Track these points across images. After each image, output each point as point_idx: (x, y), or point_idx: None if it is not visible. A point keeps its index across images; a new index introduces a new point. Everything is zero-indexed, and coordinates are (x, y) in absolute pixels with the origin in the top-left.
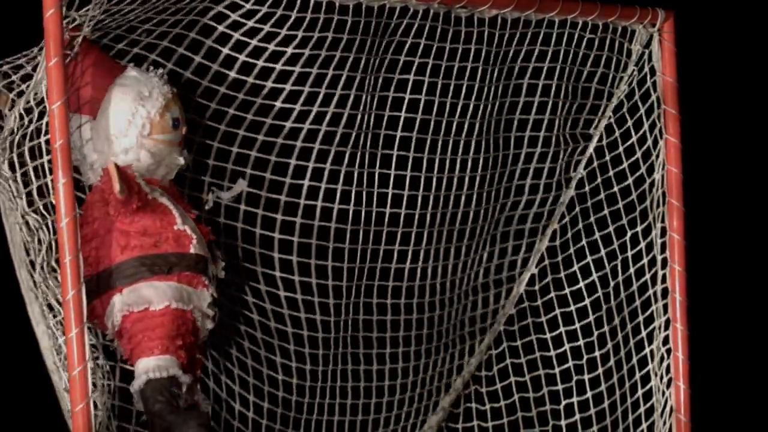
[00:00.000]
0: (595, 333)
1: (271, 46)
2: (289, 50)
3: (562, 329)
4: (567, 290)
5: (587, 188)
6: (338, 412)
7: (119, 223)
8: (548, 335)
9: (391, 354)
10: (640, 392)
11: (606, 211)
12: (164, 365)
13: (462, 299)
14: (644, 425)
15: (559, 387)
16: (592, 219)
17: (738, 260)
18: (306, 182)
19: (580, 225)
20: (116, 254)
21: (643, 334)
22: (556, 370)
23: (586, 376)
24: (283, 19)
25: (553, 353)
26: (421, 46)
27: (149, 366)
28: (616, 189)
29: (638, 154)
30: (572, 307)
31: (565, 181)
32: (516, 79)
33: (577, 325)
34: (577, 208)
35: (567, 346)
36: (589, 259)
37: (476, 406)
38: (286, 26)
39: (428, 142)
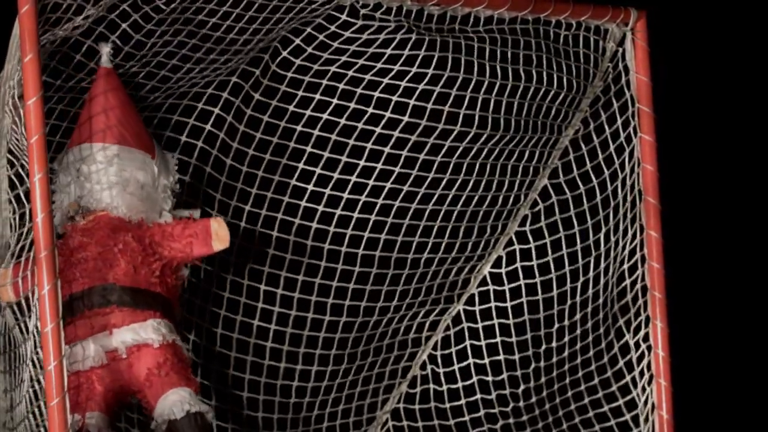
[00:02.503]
0: (557, 325)
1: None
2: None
3: (526, 317)
4: (537, 279)
5: (562, 179)
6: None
7: (170, 267)
8: (511, 321)
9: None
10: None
11: (585, 206)
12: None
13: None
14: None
15: (518, 372)
16: (571, 213)
17: (717, 256)
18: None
19: (557, 216)
20: (163, 287)
21: (610, 323)
22: (516, 356)
23: (542, 364)
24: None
25: (514, 339)
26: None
27: (194, 398)
28: (594, 183)
29: (610, 150)
30: (539, 296)
31: (542, 168)
32: (490, 73)
33: (541, 315)
34: (554, 198)
35: (529, 335)
36: (564, 251)
37: (434, 387)
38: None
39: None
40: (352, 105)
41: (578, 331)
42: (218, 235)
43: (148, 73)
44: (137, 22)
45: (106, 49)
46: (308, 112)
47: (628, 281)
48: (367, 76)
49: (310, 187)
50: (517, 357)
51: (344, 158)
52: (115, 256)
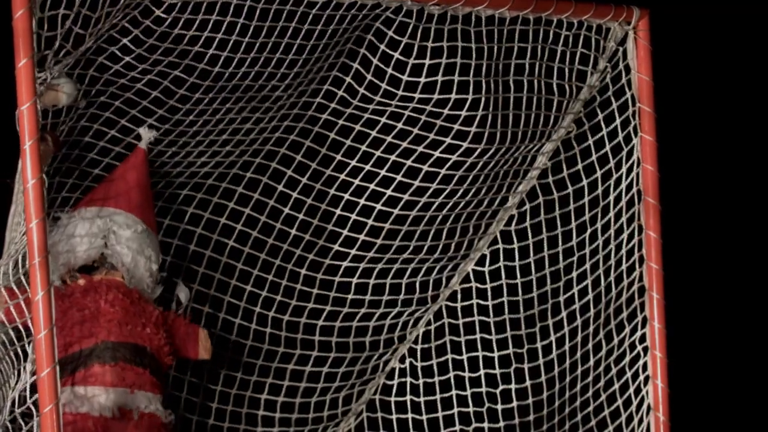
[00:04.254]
0: (539, 325)
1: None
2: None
3: (506, 316)
4: (519, 280)
5: (551, 179)
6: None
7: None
8: (492, 319)
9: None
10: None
11: (571, 207)
12: None
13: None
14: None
15: (497, 371)
16: (556, 213)
17: (714, 257)
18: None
19: (542, 216)
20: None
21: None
22: (495, 354)
23: (525, 365)
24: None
25: (494, 337)
26: (395, 41)
27: None
28: (584, 183)
29: (606, 149)
30: (520, 297)
31: (532, 169)
32: (492, 76)
33: (522, 315)
34: (540, 199)
35: (509, 333)
36: (545, 252)
37: (410, 380)
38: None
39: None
40: (349, 110)
41: (566, 330)
42: (204, 345)
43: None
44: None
45: (149, 134)
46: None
47: (626, 282)
48: (361, 90)
49: (302, 181)
50: (496, 355)
51: (338, 156)
52: (149, 323)
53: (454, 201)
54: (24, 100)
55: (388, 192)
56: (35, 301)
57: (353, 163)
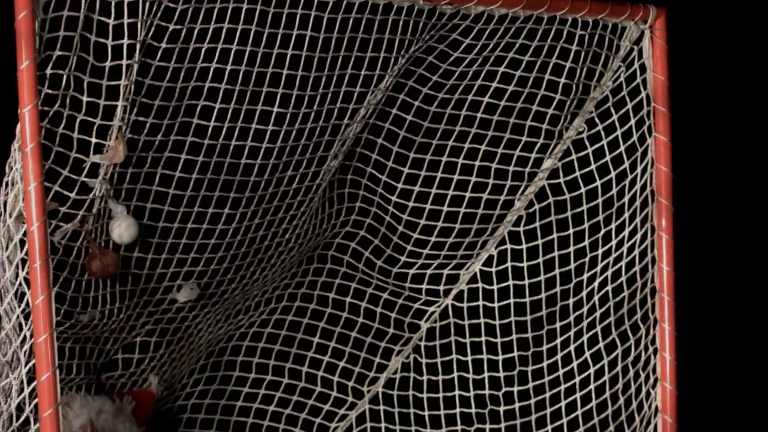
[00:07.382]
0: (546, 327)
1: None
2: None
3: (512, 318)
4: (526, 281)
5: (562, 179)
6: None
7: None
8: (497, 321)
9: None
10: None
11: (584, 207)
12: None
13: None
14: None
15: (501, 374)
16: (568, 214)
17: (728, 259)
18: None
19: (552, 217)
20: None
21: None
22: (500, 357)
23: (529, 368)
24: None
25: (499, 340)
26: (406, 42)
27: None
28: (598, 183)
29: (621, 150)
30: (527, 299)
31: (541, 170)
32: (499, 74)
33: (528, 318)
34: (551, 199)
35: (514, 336)
36: (555, 253)
37: (414, 375)
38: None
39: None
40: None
41: (572, 333)
42: None
43: None
44: None
45: (158, 388)
46: None
47: (639, 283)
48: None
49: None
50: (500, 358)
51: (331, 158)
52: None
53: (468, 195)
54: (26, 102)
55: (399, 185)
56: (35, 304)
57: (356, 148)
